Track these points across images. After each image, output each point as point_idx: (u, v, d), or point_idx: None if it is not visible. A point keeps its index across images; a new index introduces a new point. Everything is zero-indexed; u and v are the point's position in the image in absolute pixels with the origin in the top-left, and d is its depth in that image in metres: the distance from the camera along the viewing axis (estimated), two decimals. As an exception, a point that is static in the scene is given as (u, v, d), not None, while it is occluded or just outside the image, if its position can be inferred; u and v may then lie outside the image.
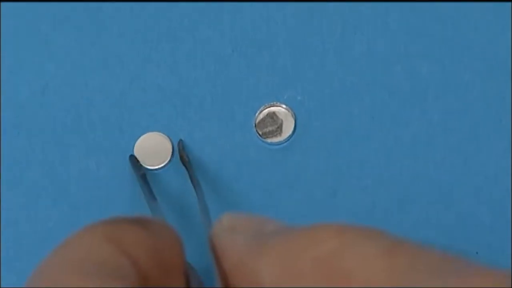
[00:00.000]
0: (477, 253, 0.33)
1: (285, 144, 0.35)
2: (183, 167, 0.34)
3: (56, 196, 0.34)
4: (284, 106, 0.35)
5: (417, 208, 0.34)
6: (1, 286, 0.34)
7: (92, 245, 0.22)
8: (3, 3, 0.36)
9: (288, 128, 0.35)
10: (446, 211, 0.34)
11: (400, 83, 0.35)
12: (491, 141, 0.34)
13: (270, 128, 0.35)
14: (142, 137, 0.35)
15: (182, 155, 0.34)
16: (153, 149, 0.35)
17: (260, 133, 0.35)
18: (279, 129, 0.35)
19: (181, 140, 0.35)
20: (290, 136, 0.35)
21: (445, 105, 0.35)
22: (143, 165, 0.34)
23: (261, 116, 0.35)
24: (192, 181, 0.33)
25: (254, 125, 0.35)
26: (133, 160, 0.34)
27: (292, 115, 0.35)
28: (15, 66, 0.36)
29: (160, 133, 0.35)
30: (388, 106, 0.35)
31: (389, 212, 0.34)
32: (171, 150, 0.35)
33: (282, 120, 0.35)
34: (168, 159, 0.35)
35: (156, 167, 0.35)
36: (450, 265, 0.20)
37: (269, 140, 0.35)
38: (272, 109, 0.35)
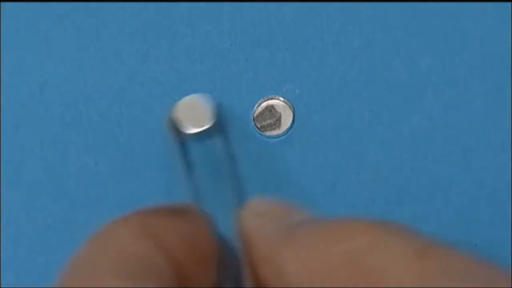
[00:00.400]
0: (475, 244, 0.33)
1: (283, 137, 0.35)
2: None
3: (55, 193, 0.34)
4: (282, 99, 0.35)
5: (416, 202, 0.34)
6: (1, 286, 0.34)
7: (129, 240, 0.22)
8: (3, 3, 0.36)
9: (286, 121, 0.35)
10: (445, 206, 0.34)
11: (399, 77, 0.35)
12: (490, 136, 0.34)
13: (268, 121, 0.35)
14: (183, 100, 0.33)
15: (217, 120, 0.33)
16: (194, 112, 0.34)
17: (259, 126, 0.35)
18: (277, 122, 0.35)
19: (218, 104, 0.34)
20: (289, 129, 0.35)
21: (444, 100, 0.35)
22: (183, 129, 0.33)
23: (259, 109, 0.35)
24: (226, 153, 0.32)
25: (252, 118, 0.35)
26: (173, 124, 0.33)
27: (291, 108, 0.35)
28: (14, 64, 0.36)
29: (202, 96, 0.34)
30: (387, 100, 0.35)
31: (388, 206, 0.34)
32: (211, 115, 0.33)
33: (280, 113, 0.35)
34: (208, 124, 0.33)
35: (196, 130, 0.34)
36: (481, 271, 0.19)
37: (267, 133, 0.35)
38: (271, 102, 0.35)
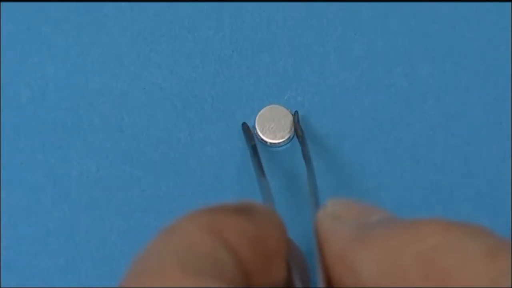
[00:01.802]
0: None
1: (285, 145, 0.35)
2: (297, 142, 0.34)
3: (56, 197, 0.34)
4: (284, 106, 0.35)
5: (417, 210, 0.34)
6: (1, 287, 0.34)
7: (195, 237, 0.22)
8: (3, 3, 0.36)
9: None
10: (446, 214, 0.33)
11: (401, 84, 0.35)
12: (491, 144, 0.34)
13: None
14: (263, 110, 0.35)
15: (297, 128, 0.34)
16: (275, 122, 0.34)
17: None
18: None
19: (296, 112, 0.34)
20: (290, 137, 0.35)
21: (445, 107, 0.35)
22: (264, 138, 0.34)
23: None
24: (304, 156, 0.32)
25: (253, 125, 0.35)
26: (246, 129, 0.34)
27: (292, 116, 0.35)
28: (15, 67, 0.36)
29: (282, 106, 0.35)
30: (388, 107, 0.35)
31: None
32: (291, 125, 0.34)
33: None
34: (289, 135, 0.34)
35: (277, 141, 0.34)
36: None
37: (269, 142, 0.35)
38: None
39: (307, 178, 0.31)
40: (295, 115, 0.34)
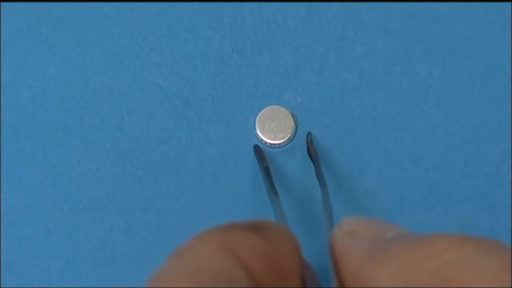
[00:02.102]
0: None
1: (285, 146, 0.35)
2: (310, 161, 0.34)
3: (56, 198, 0.34)
4: (284, 107, 0.35)
5: (417, 211, 0.34)
6: (1, 287, 0.34)
7: (208, 255, 0.22)
8: (3, 3, 0.36)
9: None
10: (446, 214, 0.34)
11: (401, 84, 0.35)
12: (491, 144, 0.34)
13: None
14: (263, 110, 0.35)
15: (310, 148, 0.33)
16: (275, 123, 0.34)
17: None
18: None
19: (309, 133, 0.34)
20: (291, 138, 0.35)
21: (445, 107, 0.35)
22: (264, 138, 0.34)
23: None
24: (318, 177, 0.32)
25: (254, 126, 0.35)
26: (258, 151, 0.34)
27: (293, 117, 0.35)
28: (15, 67, 0.36)
29: (282, 107, 0.35)
30: (388, 107, 0.35)
31: (389, 215, 0.34)
32: (291, 125, 0.34)
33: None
34: (289, 135, 0.34)
35: (277, 142, 0.34)
36: None
37: (269, 142, 0.35)
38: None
39: (322, 200, 0.31)
40: (308, 136, 0.34)
